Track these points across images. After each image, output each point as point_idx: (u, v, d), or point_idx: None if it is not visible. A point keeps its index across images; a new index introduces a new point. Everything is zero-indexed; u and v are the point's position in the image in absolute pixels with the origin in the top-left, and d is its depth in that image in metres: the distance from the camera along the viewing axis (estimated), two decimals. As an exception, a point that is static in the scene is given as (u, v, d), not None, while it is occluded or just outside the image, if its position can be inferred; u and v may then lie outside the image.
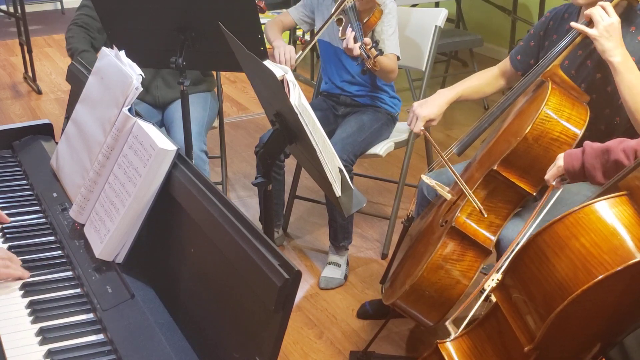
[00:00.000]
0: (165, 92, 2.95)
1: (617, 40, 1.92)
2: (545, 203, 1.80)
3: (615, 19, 1.92)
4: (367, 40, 2.43)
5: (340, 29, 2.58)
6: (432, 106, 2.27)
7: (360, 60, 2.46)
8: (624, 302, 1.43)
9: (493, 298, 1.62)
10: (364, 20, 2.58)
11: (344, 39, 2.50)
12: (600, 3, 1.96)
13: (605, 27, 1.91)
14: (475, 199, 1.98)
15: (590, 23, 1.96)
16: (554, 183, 1.81)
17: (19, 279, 1.44)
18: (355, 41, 2.44)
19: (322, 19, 2.83)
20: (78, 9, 2.99)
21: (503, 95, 2.26)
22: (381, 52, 2.45)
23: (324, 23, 2.67)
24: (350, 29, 2.49)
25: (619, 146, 1.60)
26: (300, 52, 2.70)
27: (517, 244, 1.73)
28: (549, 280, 1.42)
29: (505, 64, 2.39)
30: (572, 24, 2.01)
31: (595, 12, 1.94)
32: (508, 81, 2.42)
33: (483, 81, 2.41)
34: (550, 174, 1.81)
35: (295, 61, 2.68)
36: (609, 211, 1.41)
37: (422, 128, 2.25)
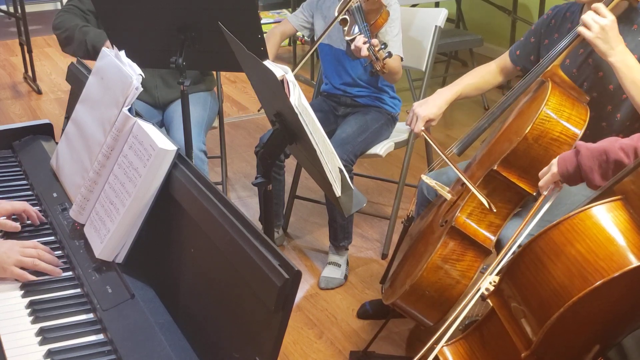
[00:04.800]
0: (165, 92, 2.95)
1: (613, 40, 1.92)
2: (542, 203, 1.76)
3: (609, 20, 1.91)
4: (375, 41, 2.39)
5: (346, 29, 2.55)
6: (431, 106, 2.28)
7: (368, 62, 2.42)
8: (622, 307, 1.42)
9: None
10: (371, 22, 2.53)
11: (349, 39, 2.47)
12: (593, 5, 1.95)
13: (599, 29, 1.92)
14: (480, 194, 1.98)
15: None
16: (545, 193, 1.73)
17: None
18: (363, 42, 2.39)
19: (321, 19, 2.82)
20: (66, 4, 2.89)
21: (503, 95, 2.26)
22: (390, 55, 2.40)
23: (327, 26, 2.63)
24: (357, 29, 2.47)
25: (615, 145, 1.56)
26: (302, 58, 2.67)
27: (514, 244, 1.73)
28: (545, 286, 1.41)
29: (504, 59, 2.38)
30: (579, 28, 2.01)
31: (586, 16, 1.94)
32: (506, 77, 2.42)
33: (481, 79, 2.39)
34: (544, 180, 1.74)
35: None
36: (604, 216, 1.39)
37: (422, 128, 2.25)
